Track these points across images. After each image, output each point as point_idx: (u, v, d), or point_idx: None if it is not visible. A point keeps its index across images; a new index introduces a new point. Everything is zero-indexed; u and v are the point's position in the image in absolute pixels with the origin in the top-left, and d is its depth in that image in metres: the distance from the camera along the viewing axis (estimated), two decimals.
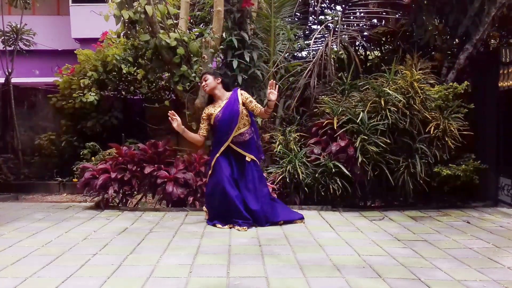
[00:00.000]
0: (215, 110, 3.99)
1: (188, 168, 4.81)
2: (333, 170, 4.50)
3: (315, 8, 6.24)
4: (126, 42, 5.94)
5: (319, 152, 4.67)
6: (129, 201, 4.91)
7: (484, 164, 4.78)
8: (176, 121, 3.92)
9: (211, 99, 4.14)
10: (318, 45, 6.00)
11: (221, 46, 5.11)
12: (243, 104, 3.95)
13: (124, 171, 4.68)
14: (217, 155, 3.94)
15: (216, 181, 3.90)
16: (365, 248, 3.22)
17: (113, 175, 4.58)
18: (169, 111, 3.97)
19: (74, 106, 6.36)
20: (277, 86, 3.85)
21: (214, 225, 3.87)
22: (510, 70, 4.75)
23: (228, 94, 4.03)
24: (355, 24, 5.98)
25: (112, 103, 6.54)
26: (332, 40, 5.45)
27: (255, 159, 4.00)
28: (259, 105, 3.98)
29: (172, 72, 5.21)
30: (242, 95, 3.99)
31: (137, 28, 5.08)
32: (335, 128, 4.65)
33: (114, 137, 6.06)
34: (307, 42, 6.36)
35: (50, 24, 13.22)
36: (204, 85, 4.04)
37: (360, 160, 4.47)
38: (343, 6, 6.47)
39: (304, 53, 6.67)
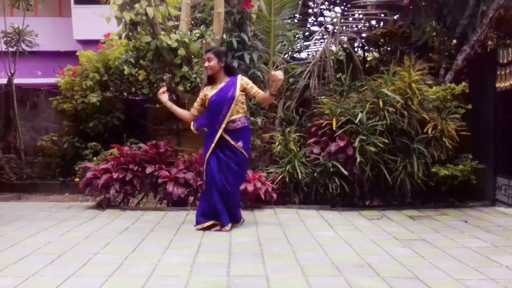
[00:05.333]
0: (211, 91, 3.79)
1: (189, 168, 4.85)
2: (332, 170, 4.53)
3: (315, 10, 6.28)
4: (127, 44, 5.98)
5: (318, 152, 4.70)
6: (130, 201, 4.94)
7: (482, 164, 4.81)
8: (164, 96, 3.95)
9: (212, 78, 3.87)
10: (318, 46, 6.03)
11: (221, 47, 5.15)
12: (244, 89, 3.75)
13: (125, 171, 4.71)
14: (210, 149, 3.73)
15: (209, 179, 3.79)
16: (364, 247, 3.25)
17: (114, 175, 4.61)
18: (161, 89, 3.96)
19: (76, 108, 6.40)
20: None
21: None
22: (507, 71, 4.77)
23: (228, 78, 3.80)
24: (353, 26, 6.01)
25: (113, 104, 6.58)
26: (331, 41, 5.49)
27: (243, 150, 3.74)
28: (260, 91, 3.81)
29: (173, 73, 5.25)
30: (243, 79, 3.79)
31: (139, 30, 5.12)
32: (334, 128, 4.69)
33: (116, 137, 6.10)
34: (307, 43, 6.40)
35: (52, 25, 13.25)
36: (207, 66, 3.76)
37: (358, 160, 4.50)
38: (342, 8, 6.51)
39: (303, 55, 6.70)
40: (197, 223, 3.84)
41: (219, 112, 3.70)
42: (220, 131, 3.70)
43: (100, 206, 4.70)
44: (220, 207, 3.73)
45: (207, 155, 3.75)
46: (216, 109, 3.72)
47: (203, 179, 3.86)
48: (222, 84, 3.78)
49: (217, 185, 3.72)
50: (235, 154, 3.74)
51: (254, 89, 3.79)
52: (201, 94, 3.92)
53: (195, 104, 3.93)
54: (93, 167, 4.86)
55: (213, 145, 3.72)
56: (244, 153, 3.78)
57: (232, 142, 3.72)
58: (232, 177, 3.76)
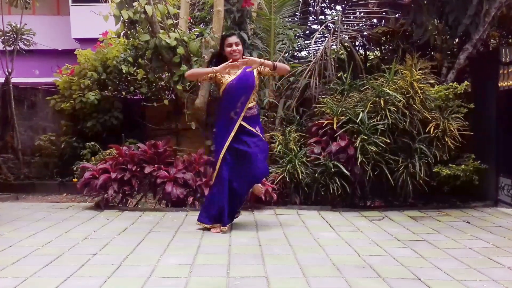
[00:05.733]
0: (229, 76, 3.70)
1: (188, 168, 4.82)
2: (333, 170, 4.50)
3: (315, 8, 6.25)
4: (126, 42, 5.94)
5: (319, 152, 4.67)
6: (129, 201, 4.91)
7: (484, 164, 4.78)
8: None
9: (222, 61, 3.74)
10: (318, 45, 6.01)
11: None
12: (259, 73, 3.76)
13: (124, 171, 4.68)
14: (228, 142, 3.61)
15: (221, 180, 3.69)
16: (365, 248, 3.23)
17: (113, 175, 4.58)
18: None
19: (74, 107, 6.36)
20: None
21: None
22: (510, 70, 4.74)
23: (244, 66, 3.73)
24: (355, 24, 5.99)
25: (112, 103, 6.53)
26: (332, 40, 5.46)
27: (261, 135, 3.75)
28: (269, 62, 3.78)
29: (172, 72, 5.22)
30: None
31: (137, 28, 5.09)
32: (335, 128, 4.66)
33: (114, 137, 6.05)
34: (307, 42, 6.37)
35: (50, 24, 13.22)
36: (235, 50, 3.68)
37: (360, 160, 4.47)
38: (343, 6, 6.48)
39: (304, 53, 6.67)
40: (201, 221, 3.78)
41: (237, 99, 3.65)
42: (240, 120, 3.64)
43: (98, 206, 4.67)
44: (227, 206, 3.66)
45: (224, 149, 3.65)
46: (234, 95, 3.66)
47: (213, 176, 3.78)
48: (240, 71, 3.72)
49: (231, 183, 3.64)
50: (255, 137, 3.68)
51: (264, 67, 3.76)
52: (210, 69, 3.75)
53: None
54: (91, 167, 4.82)
55: (233, 133, 3.63)
56: (262, 137, 3.77)
57: (251, 128, 3.68)
58: (259, 163, 3.66)
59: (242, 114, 3.65)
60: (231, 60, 3.69)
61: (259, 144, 3.71)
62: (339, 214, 4.43)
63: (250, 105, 3.68)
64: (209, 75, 3.77)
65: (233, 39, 3.74)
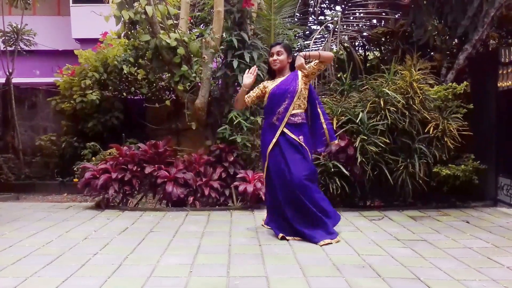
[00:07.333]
0: (272, 84, 3.65)
1: (188, 168, 4.83)
2: (333, 170, 4.51)
3: (315, 9, 6.26)
4: (126, 43, 5.95)
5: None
6: (129, 201, 4.92)
7: (484, 164, 4.79)
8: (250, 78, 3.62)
9: (273, 73, 3.71)
10: (318, 45, 6.01)
11: (221, 46, 5.13)
12: (306, 76, 3.56)
13: (124, 171, 4.69)
14: (270, 146, 3.53)
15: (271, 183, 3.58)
16: (365, 248, 3.23)
17: (113, 175, 4.60)
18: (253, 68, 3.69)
19: (75, 108, 6.37)
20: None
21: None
22: (509, 70, 4.75)
23: (289, 73, 3.66)
24: (354, 25, 6.00)
25: (112, 103, 6.55)
26: (331, 40, 5.47)
27: (304, 145, 3.55)
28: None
29: (172, 72, 5.23)
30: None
31: (138, 29, 5.10)
32: (335, 128, 4.66)
33: (115, 137, 6.07)
34: (307, 42, 6.38)
35: (51, 24, 13.21)
36: (276, 59, 3.62)
37: (359, 160, 4.47)
38: (343, 6, 6.49)
39: None
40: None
41: (278, 104, 3.56)
42: (282, 127, 3.54)
43: (99, 206, 4.68)
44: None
45: (267, 157, 3.58)
46: (275, 101, 3.58)
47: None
48: (283, 78, 3.65)
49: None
50: (298, 149, 3.55)
51: (311, 64, 3.61)
52: (260, 86, 3.77)
53: (251, 93, 3.76)
54: (92, 167, 4.84)
55: (274, 140, 3.55)
56: (306, 147, 3.59)
57: (293, 136, 3.55)
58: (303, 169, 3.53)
59: (285, 121, 3.53)
60: (254, 69, 3.66)
61: (303, 160, 3.55)
62: (338, 214, 4.44)
63: (294, 111, 3.54)
64: (258, 91, 3.73)
65: (275, 48, 3.65)
